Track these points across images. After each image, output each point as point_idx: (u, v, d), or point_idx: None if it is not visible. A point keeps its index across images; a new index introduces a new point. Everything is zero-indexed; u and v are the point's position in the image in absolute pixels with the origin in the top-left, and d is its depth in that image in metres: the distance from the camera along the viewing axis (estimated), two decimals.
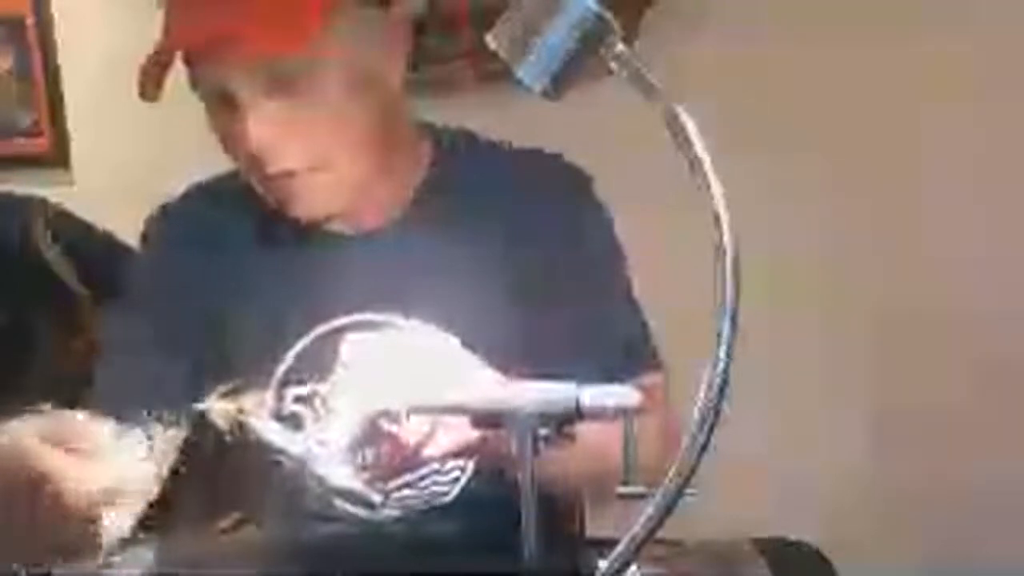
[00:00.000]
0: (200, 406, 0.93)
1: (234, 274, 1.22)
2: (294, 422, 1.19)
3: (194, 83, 1.14)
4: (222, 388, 0.93)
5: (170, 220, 1.29)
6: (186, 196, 1.30)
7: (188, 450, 0.90)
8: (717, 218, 0.69)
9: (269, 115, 1.09)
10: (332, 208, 1.17)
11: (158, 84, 1.11)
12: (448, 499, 1.19)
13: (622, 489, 0.83)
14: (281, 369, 1.17)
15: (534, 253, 1.19)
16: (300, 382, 1.18)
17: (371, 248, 1.21)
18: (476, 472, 1.18)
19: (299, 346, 1.18)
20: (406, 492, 1.20)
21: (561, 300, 1.19)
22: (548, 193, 1.24)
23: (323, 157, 1.12)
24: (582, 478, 1.10)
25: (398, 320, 1.15)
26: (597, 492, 1.16)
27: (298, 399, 1.19)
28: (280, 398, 1.19)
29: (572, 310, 1.19)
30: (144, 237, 1.30)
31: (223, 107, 1.12)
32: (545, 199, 1.23)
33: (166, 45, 1.11)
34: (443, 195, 1.22)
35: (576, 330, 1.18)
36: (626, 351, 1.20)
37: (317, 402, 1.15)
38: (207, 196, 1.29)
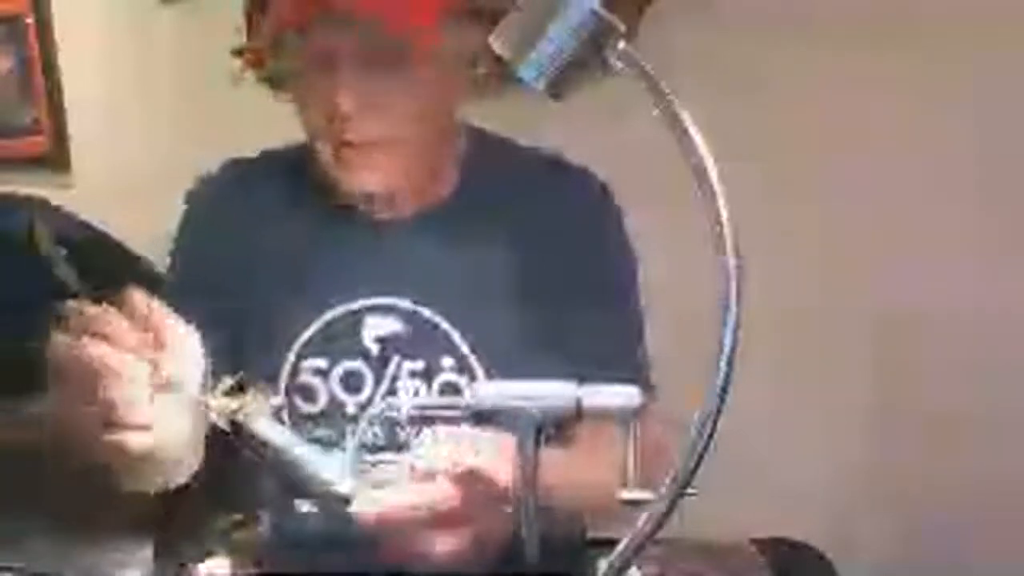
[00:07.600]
0: (200, 399, 0.93)
1: (264, 247, 1.25)
2: (307, 394, 1.21)
3: (296, 43, 1.16)
4: (222, 385, 0.94)
5: (207, 190, 1.32)
6: (224, 169, 1.33)
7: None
8: (718, 218, 0.69)
9: (364, 80, 1.13)
10: (384, 186, 1.20)
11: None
12: None
13: (624, 494, 0.83)
14: (298, 343, 1.20)
15: (550, 261, 1.22)
16: (318, 355, 1.21)
17: (397, 235, 1.24)
18: None
19: (318, 323, 1.21)
20: None
21: (567, 310, 1.21)
22: (572, 205, 1.26)
23: (394, 135, 1.16)
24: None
25: (414, 307, 1.19)
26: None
27: (316, 372, 1.21)
28: (295, 372, 1.21)
29: (575, 320, 1.20)
30: (187, 202, 1.32)
31: (320, 68, 1.15)
32: (568, 210, 1.26)
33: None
34: (471, 194, 1.25)
35: (575, 343, 1.18)
36: (619, 366, 1.19)
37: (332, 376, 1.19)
38: (245, 170, 1.32)
